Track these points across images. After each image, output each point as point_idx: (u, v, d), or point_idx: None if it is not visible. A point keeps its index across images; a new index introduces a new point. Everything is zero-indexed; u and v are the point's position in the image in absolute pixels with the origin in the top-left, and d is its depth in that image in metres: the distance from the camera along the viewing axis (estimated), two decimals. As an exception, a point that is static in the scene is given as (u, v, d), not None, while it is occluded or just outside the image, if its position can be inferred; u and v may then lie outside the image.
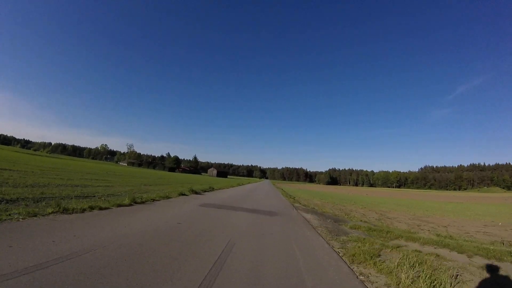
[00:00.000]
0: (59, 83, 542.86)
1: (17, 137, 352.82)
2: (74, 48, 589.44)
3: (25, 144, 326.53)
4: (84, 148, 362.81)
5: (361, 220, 15.73)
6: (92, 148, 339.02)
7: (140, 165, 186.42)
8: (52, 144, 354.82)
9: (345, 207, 26.49)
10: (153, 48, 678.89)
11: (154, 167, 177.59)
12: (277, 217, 13.52)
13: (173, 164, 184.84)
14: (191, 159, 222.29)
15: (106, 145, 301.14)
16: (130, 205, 11.93)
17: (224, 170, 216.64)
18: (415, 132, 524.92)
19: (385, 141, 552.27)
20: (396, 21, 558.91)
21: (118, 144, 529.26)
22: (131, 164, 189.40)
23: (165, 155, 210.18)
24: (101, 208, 10.08)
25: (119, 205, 11.36)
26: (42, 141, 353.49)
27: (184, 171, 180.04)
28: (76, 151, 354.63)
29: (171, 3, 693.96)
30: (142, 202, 13.11)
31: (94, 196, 13.31)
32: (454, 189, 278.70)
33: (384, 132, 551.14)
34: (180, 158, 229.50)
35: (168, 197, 16.50)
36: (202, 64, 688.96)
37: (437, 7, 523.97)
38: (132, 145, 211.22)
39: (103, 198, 12.64)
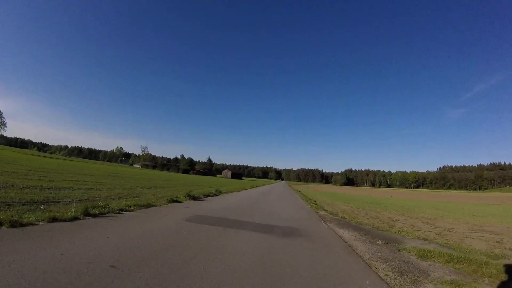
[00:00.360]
0: (77, 88, 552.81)
1: (34, 141, 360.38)
2: (91, 52, 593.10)
3: (42, 147, 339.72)
4: (100, 151, 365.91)
5: (417, 237, 11.09)
6: (108, 151, 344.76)
7: (154, 167, 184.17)
8: (69, 147, 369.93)
9: (380, 214, 21.67)
10: (171, 51, 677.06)
11: (168, 169, 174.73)
12: (302, 240, 8.73)
13: (187, 166, 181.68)
14: (205, 161, 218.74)
15: (121, 147, 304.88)
16: (74, 219, 7.77)
17: (239, 172, 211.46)
18: (432, 131, 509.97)
19: (401, 141, 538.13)
20: (412, 20, 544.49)
21: (134, 147, 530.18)
22: (145, 166, 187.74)
23: (179, 157, 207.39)
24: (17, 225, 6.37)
25: (55, 219, 7.29)
26: (59, 144, 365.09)
27: (198, 173, 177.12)
28: (92, 154, 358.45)
29: (185, 6, 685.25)
30: (102, 214, 8.91)
31: (58, 202, 10.13)
32: (474, 189, 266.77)
33: (401, 133, 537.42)
34: (194, 160, 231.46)
35: (149, 206, 12.25)
36: (217, 66, 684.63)
37: (452, 3, 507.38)
38: (146, 147, 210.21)
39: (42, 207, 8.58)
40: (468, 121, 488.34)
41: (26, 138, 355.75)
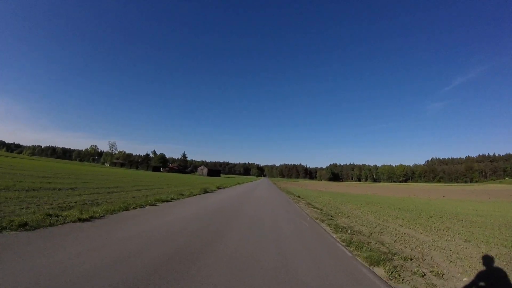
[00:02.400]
0: (54, 87, 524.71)
1: (6, 141, 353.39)
2: (69, 51, 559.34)
3: (16, 147, 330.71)
4: (74, 150, 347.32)
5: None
6: (82, 150, 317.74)
7: (122, 165, 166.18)
8: (42, 147, 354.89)
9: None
10: (145, 49, 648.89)
11: (137, 167, 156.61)
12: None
13: (159, 163, 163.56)
14: (179, 158, 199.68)
15: (95, 146, 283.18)
16: None
17: (216, 169, 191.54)
18: (416, 125, 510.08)
19: (386, 135, 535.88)
20: (391, 17, 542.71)
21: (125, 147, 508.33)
22: (113, 164, 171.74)
23: (151, 154, 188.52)
24: None
25: None
26: (33, 144, 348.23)
27: (171, 170, 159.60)
28: (66, 154, 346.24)
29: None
30: None
31: None
32: (465, 182, 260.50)
33: (385, 127, 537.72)
34: (172, 157, 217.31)
35: None
36: (195, 63, 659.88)
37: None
38: (114, 143, 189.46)
39: None
40: (450, 113, 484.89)
41: None
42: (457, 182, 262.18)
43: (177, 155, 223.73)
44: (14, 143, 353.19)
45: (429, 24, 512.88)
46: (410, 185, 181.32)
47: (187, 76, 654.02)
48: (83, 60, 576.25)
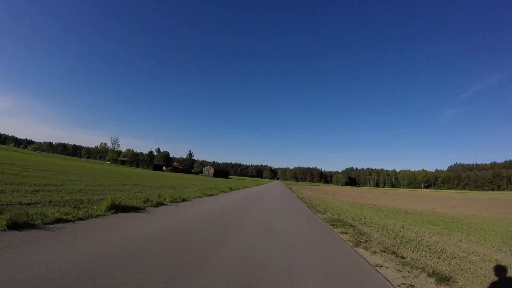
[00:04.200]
0: (70, 84, 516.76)
1: (18, 137, 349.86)
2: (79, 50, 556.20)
3: (28, 143, 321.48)
4: (84, 147, 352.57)
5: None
6: (92, 147, 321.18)
7: (123, 163, 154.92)
8: (54, 143, 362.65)
9: None
10: (154, 48, 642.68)
11: (137, 165, 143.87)
12: None
13: (162, 162, 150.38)
14: (185, 157, 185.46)
15: (105, 144, 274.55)
16: None
17: (223, 169, 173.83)
18: (434, 130, 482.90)
19: (403, 140, 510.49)
20: (409, 23, 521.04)
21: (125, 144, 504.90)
22: (114, 161, 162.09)
23: (154, 152, 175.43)
24: None
25: None
26: (44, 141, 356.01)
27: (175, 169, 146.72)
28: (76, 151, 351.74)
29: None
30: None
31: None
32: (492, 189, 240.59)
33: (402, 132, 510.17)
34: (182, 157, 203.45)
35: None
36: (206, 64, 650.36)
37: (448, 5, 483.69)
38: (117, 140, 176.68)
39: None
40: (472, 118, 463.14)
41: (10, 134, 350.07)
42: (483, 190, 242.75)
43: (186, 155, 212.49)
44: (26, 139, 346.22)
45: (447, 30, 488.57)
46: (423, 191, 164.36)
47: (203, 77, 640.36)
48: (99, 58, 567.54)
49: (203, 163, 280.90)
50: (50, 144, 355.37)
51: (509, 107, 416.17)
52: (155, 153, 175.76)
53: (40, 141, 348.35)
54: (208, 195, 19.56)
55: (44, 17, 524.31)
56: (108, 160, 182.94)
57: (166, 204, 13.11)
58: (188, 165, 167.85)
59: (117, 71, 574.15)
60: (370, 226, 12.64)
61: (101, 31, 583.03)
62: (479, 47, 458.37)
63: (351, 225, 11.92)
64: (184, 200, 15.31)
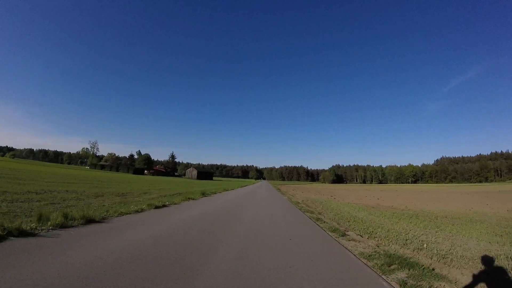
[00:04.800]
0: (50, 91, 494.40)
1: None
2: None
3: (8, 151, 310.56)
4: (65, 153, 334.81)
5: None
6: (73, 152, 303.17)
7: (103, 167, 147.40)
8: (34, 150, 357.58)
9: None
10: (136, 51, 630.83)
11: (117, 169, 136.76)
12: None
13: (143, 165, 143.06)
14: (167, 159, 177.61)
15: (87, 149, 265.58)
16: None
17: (207, 171, 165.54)
18: (420, 124, 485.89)
19: (388, 135, 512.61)
20: (391, 21, 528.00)
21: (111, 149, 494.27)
22: (93, 166, 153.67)
23: (135, 155, 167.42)
24: None
25: None
26: (24, 147, 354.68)
27: (157, 172, 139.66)
28: (58, 157, 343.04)
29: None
30: None
31: None
32: (480, 181, 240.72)
33: (387, 128, 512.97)
34: (167, 160, 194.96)
35: None
36: (187, 65, 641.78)
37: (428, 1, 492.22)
38: (96, 143, 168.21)
39: None
40: (456, 111, 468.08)
41: None
42: (471, 182, 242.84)
43: (179, 158, 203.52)
44: (6, 146, 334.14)
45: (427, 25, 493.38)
46: (412, 186, 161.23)
47: (182, 78, 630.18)
48: (79, 62, 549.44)
49: (188, 166, 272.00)
50: (31, 150, 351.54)
51: (490, 99, 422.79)
52: (136, 156, 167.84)
53: (21, 148, 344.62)
54: (157, 207, 13.25)
55: (21, 21, 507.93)
56: (88, 165, 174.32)
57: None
58: (171, 168, 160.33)
59: (99, 75, 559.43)
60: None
61: (81, 35, 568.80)
62: (459, 40, 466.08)
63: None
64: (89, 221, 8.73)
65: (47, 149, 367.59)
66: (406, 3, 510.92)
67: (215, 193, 25.66)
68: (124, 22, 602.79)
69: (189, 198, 17.97)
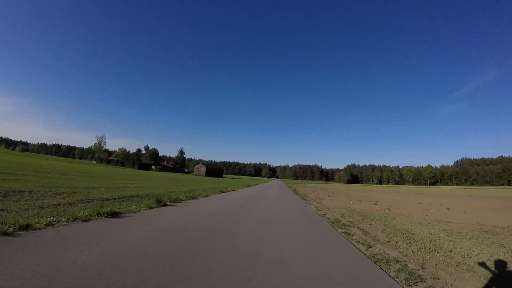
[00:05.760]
0: (66, 86, 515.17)
1: (13, 139, 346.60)
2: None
3: (23, 145, 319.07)
4: (82, 149, 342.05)
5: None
6: (85, 148, 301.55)
7: (109, 162, 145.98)
8: (48, 145, 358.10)
9: None
10: (149, 50, 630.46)
11: (122, 165, 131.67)
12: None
13: (149, 160, 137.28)
14: (176, 156, 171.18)
15: (99, 143, 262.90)
16: None
17: (217, 168, 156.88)
18: (433, 126, 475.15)
19: (405, 136, 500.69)
20: (407, 21, 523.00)
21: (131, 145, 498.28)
22: (100, 161, 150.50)
23: (143, 150, 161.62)
24: None
25: None
26: (38, 142, 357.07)
27: (165, 168, 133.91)
28: (70, 151, 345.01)
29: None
30: None
31: None
32: (502, 184, 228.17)
33: (404, 129, 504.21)
34: (173, 156, 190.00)
35: None
36: (204, 63, 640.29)
37: (446, 1, 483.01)
38: (103, 137, 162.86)
39: None
40: (472, 114, 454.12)
41: (4, 136, 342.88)
42: (492, 185, 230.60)
43: (192, 155, 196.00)
44: (21, 140, 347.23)
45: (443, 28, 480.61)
46: (434, 188, 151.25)
47: (202, 76, 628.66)
48: (94, 60, 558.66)
49: (199, 162, 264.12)
50: (43, 145, 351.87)
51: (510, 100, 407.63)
52: (144, 151, 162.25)
53: (34, 143, 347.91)
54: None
55: (36, 18, 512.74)
56: (95, 160, 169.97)
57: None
58: (180, 164, 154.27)
59: (113, 72, 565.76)
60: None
61: (96, 32, 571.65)
62: (478, 42, 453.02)
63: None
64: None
65: (60, 143, 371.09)
66: (425, 4, 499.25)
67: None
68: (137, 19, 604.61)
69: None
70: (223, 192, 25.55)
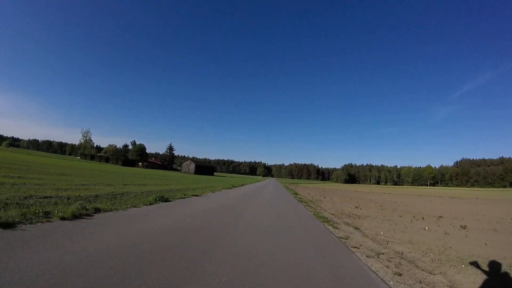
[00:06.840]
0: (59, 85, 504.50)
1: (5, 135, 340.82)
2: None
3: (15, 141, 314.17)
4: (73, 145, 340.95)
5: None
6: (76, 144, 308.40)
7: (92, 158, 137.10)
8: (39, 141, 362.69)
9: None
10: (142, 47, 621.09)
11: (107, 160, 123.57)
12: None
13: (136, 156, 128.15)
14: (165, 152, 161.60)
15: (91, 140, 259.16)
16: None
17: (207, 165, 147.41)
18: (435, 125, 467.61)
19: (403, 136, 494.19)
20: (403, 24, 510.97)
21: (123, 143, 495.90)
22: (83, 157, 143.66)
23: (130, 146, 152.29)
24: None
25: None
26: (29, 138, 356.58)
27: (152, 165, 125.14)
28: (62, 148, 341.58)
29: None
30: None
31: None
32: (504, 186, 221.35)
33: (402, 129, 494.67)
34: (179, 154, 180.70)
35: None
36: (198, 62, 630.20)
37: (440, 3, 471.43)
38: (88, 132, 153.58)
39: None
40: (468, 114, 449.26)
41: None
42: (494, 186, 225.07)
43: (186, 153, 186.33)
44: (12, 137, 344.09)
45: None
46: (435, 189, 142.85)
47: (193, 76, 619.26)
48: (91, 59, 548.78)
49: (192, 160, 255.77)
50: (34, 141, 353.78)
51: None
52: (130, 146, 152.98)
53: (26, 139, 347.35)
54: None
55: (28, 17, 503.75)
56: (79, 156, 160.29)
57: None
58: (168, 161, 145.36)
59: (105, 69, 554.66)
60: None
61: (91, 31, 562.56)
62: (474, 44, 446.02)
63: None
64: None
65: (52, 140, 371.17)
66: (421, 7, 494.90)
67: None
68: (127, 19, 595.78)
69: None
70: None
